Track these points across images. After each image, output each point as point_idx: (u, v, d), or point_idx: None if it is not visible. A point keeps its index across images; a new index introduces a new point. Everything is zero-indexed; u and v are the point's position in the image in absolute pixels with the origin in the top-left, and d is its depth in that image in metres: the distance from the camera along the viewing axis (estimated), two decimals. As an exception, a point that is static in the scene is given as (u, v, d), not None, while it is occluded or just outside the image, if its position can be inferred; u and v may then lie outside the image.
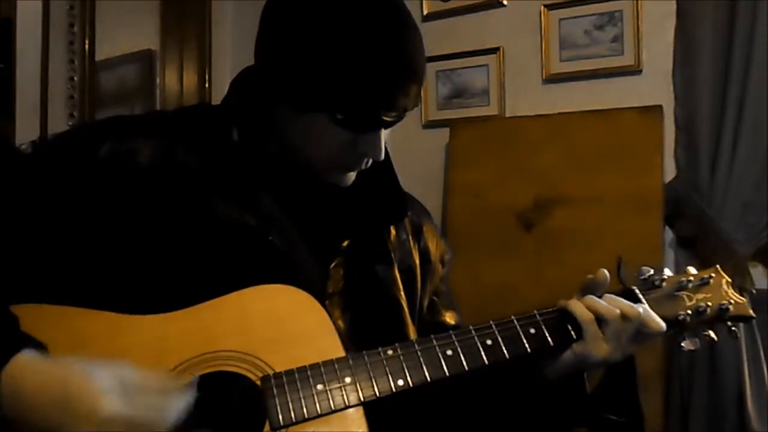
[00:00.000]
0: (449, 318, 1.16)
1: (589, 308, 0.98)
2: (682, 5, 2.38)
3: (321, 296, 0.97)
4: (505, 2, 2.73)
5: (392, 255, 1.07)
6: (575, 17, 2.57)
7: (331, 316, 0.96)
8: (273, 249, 0.97)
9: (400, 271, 1.07)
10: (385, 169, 1.07)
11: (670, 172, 2.39)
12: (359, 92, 0.90)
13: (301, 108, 0.93)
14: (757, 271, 2.32)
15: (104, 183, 0.94)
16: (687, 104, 2.37)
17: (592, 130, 2.46)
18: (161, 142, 0.98)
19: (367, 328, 1.00)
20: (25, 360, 0.78)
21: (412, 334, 1.06)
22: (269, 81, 0.96)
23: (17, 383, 0.76)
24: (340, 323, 0.98)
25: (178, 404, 0.79)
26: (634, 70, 2.48)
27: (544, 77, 2.65)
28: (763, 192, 2.24)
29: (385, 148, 1.06)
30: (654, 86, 2.44)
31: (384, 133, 0.97)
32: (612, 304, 0.99)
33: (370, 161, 0.99)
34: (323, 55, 0.89)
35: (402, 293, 1.07)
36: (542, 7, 2.63)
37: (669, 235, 2.39)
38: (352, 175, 1.01)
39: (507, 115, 2.73)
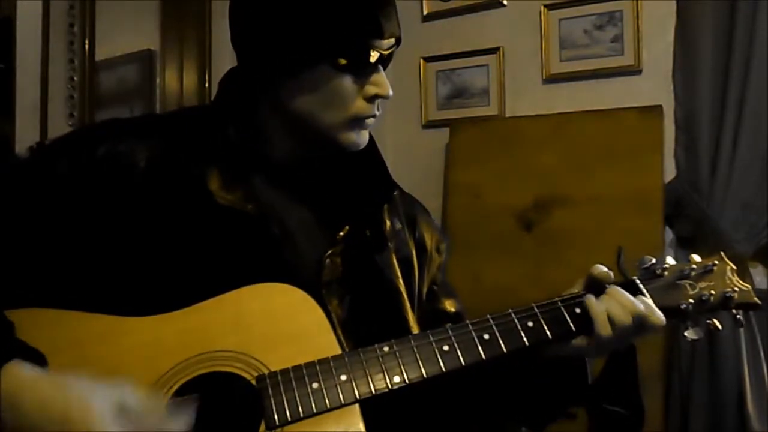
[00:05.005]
0: (449, 306, 1.16)
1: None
2: (682, 5, 2.38)
3: (318, 286, 0.97)
4: (505, 2, 2.73)
5: (389, 243, 1.08)
6: (575, 17, 2.58)
7: (328, 305, 0.96)
8: (273, 240, 0.98)
9: (397, 260, 1.08)
10: (372, 156, 1.09)
11: (670, 172, 2.39)
12: (346, 26, 0.94)
13: (302, 62, 0.96)
14: (757, 271, 2.32)
15: (102, 184, 0.94)
16: (687, 104, 2.37)
17: (592, 130, 2.46)
18: (158, 143, 0.99)
19: (366, 316, 1.00)
20: (22, 373, 0.78)
21: (412, 319, 1.06)
22: (265, 59, 0.98)
23: (16, 396, 0.76)
24: (339, 312, 0.98)
25: (178, 428, 0.79)
26: (634, 70, 2.48)
27: (544, 77, 2.65)
28: (763, 192, 2.24)
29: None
30: (654, 86, 2.44)
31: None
32: (617, 300, 0.97)
33: (379, 110, 1.01)
34: (305, 6, 0.94)
35: (400, 280, 1.07)
36: (542, 7, 2.63)
37: (669, 235, 2.39)
38: (366, 134, 1.03)
39: (507, 115, 2.73)
